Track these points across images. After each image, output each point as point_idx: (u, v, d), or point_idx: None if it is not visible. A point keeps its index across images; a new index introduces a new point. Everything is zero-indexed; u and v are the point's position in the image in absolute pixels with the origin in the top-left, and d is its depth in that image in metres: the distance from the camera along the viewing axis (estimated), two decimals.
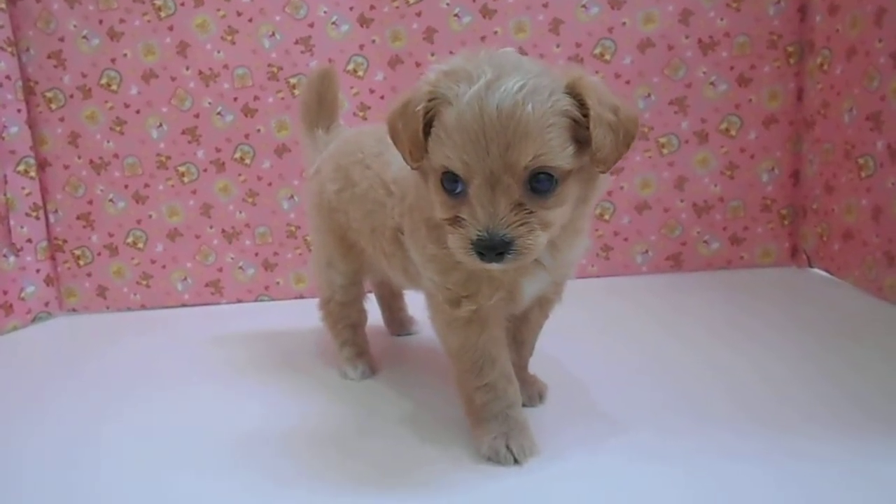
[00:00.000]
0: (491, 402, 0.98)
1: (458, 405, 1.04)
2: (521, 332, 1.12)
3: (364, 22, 1.85)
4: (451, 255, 0.92)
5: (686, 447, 0.97)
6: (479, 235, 0.80)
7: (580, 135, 0.82)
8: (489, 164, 0.79)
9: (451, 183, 0.84)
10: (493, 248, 0.79)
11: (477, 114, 0.79)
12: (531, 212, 0.81)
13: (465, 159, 0.80)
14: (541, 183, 0.81)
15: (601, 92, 0.84)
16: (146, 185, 1.91)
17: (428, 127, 0.85)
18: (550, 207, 0.82)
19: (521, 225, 0.80)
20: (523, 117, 0.78)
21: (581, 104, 0.82)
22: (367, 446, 1.03)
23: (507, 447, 0.94)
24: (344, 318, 1.34)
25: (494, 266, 0.83)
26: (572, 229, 0.95)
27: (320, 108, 1.38)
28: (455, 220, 0.83)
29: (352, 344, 1.34)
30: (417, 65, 1.86)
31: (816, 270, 1.86)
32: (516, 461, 0.93)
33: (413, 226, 1.00)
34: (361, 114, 1.89)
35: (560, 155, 0.81)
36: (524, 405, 1.06)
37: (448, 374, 1.05)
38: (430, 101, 0.84)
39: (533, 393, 1.13)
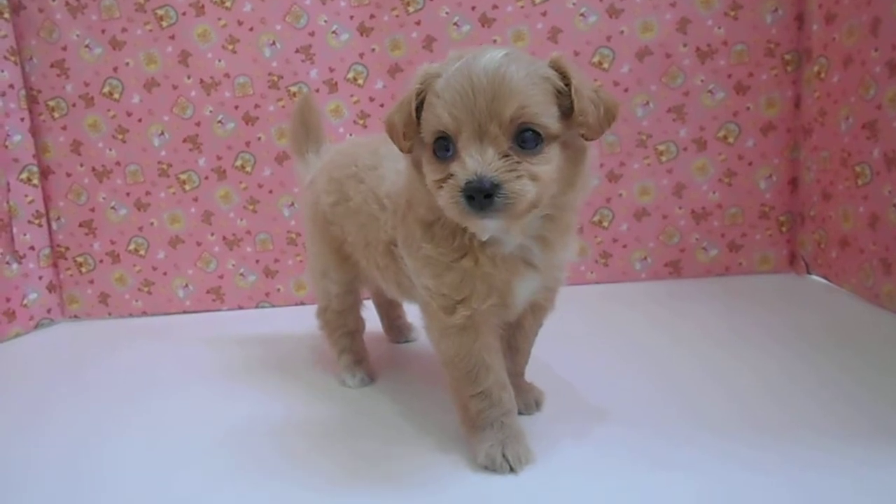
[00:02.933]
0: (486, 410, 0.98)
1: (454, 413, 1.04)
2: (516, 339, 1.13)
3: (364, 31, 1.86)
4: (446, 255, 0.95)
5: (684, 455, 0.97)
6: (468, 180, 0.82)
7: (563, 105, 0.87)
8: (477, 116, 0.83)
9: (442, 150, 0.87)
10: (482, 190, 0.81)
11: (465, 75, 0.84)
12: (519, 162, 0.84)
13: (453, 113, 0.84)
14: (527, 141, 0.85)
15: (582, 73, 0.90)
16: (148, 193, 1.93)
17: (420, 111, 0.90)
18: (537, 164, 0.85)
19: (510, 171, 0.82)
20: (508, 73, 0.83)
21: (563, 77, 0.87)
22: (365, 453, 1.04)
23: (503, 455, 0.95)
24: (341, 327, 1.35)
25: (486, 221, 0.84)
26: (563, 224, 0.97)
27: (307, 135, 1.43)
28: (445, 179, 0.85)
29: (350, 351, 1.35)
30: None
31: (814, 277, 1.87)
32: (512, 469, 0.94)
33: (407, 231, 1.01)
34: (361, 122, 1.90)
35: (545, 112, 0.85)
36: (521, 413, 1.07)
37: (446, 382, 1.06)
38: (422, 83, 0.90)
39: (529, 400, 1.14)
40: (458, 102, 0.84)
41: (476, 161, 0.82)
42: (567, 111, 0.87)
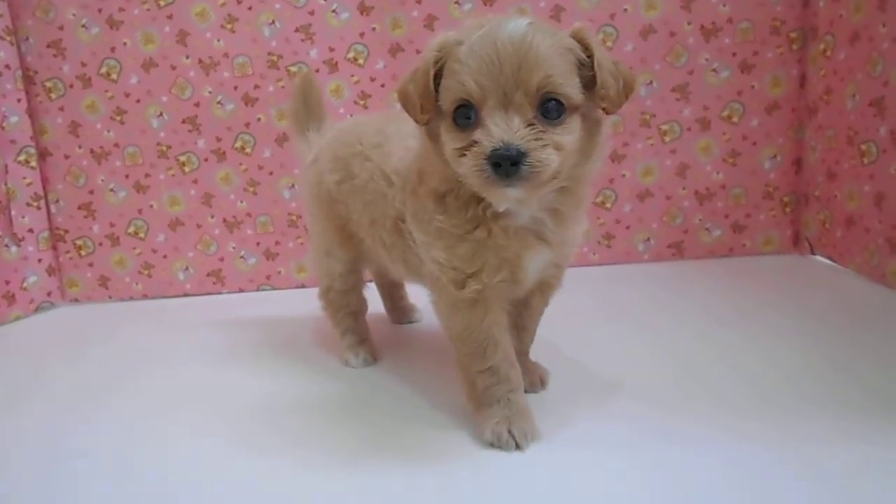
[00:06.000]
0: (493, 387, 0.98)
1: (459, 392, 1.04)
2: (523, 317, 1.12)
3: (364, 10, 1.84)
4: (459, 227, 0.94)
5: (688, 433, 0.97)
6: (494, 147, 0.81)
7: (583, 76, 0.87)
8: (502, 84, 0.83)
9: (463, 118, 0.86)
10: (509, 158, 0.81)
11: (490, 43, 0.83)
12: (543, 131, 0.83)
13: (479, 80, 0.83)
14: (550, 111, 0.84)
15: (601, 46, 0.90)
16: (147, 175, 1.91)
17: (438, 80, 0.89)
18: (560, 133, 0.85)
19: (535, 140, 0.82)
20: (534, 43, 0.83)
21: (585, 49, 0.87)
22: (369, 431, 1.03)
23: (510, 432, 0.94)
24: (344, 307, 1.34)
25: (509, 189, 0.84)
26: (577, 197, 0.96)
27: (308, 113, 1.41)
28: (468, 147, 0.85)
29: (353, 332, 1.34)
30: (418, 52, 1.83)
31: (818, 257, 1.86)
32: (518, 446, 0.94)
33: (418, 204, 1.00)
34: (362, 102, 1.88)
35: (569, 83, 0.85)
36: (526, 391, 1.06)
37: (450, 362, 1.05)
38: (440, 51, 0.88)
39: (535, 379, 1.13)
40: (484, 70, 0.83)
41: (502, 129, 0.82)
42: (587, 83, 0.87)
